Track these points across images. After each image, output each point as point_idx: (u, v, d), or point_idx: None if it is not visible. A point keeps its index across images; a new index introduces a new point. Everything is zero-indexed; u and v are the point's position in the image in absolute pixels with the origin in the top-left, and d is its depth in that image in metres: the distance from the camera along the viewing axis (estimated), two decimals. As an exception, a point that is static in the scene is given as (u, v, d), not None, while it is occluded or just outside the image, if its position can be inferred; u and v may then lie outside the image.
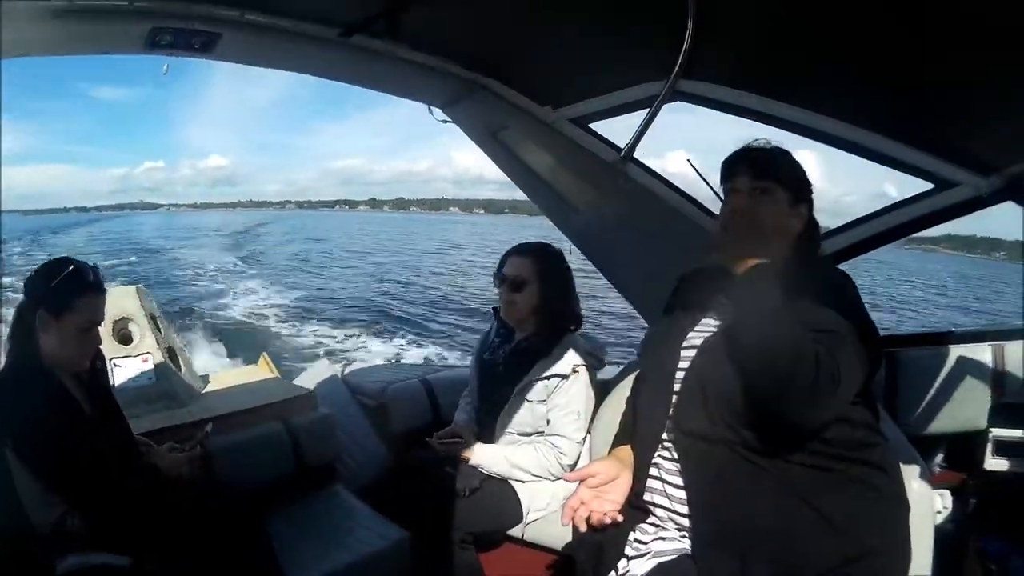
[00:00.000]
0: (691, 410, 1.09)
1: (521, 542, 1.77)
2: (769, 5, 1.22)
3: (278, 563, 1.50)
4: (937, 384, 2.18)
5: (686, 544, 1.09)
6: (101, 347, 1.48)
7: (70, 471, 1.26)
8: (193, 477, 1.56)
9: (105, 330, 1.73)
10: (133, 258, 25.10)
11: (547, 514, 1.73)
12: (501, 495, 1.73)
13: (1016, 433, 1.92)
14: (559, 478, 1.72)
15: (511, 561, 1.81)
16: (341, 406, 2.34)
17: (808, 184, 1.20)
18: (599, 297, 8.49)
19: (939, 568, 1.19)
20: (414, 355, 9.41)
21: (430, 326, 11.85)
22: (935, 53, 1.13)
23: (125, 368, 1.97)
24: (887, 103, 1.36)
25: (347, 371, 2.65)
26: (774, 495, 1.02)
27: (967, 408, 2.15)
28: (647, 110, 1.68)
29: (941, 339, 2.34)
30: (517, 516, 1.73)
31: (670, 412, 1.14)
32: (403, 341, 10.40)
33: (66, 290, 1.33)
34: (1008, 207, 1.37)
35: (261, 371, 2.52)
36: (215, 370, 3.00)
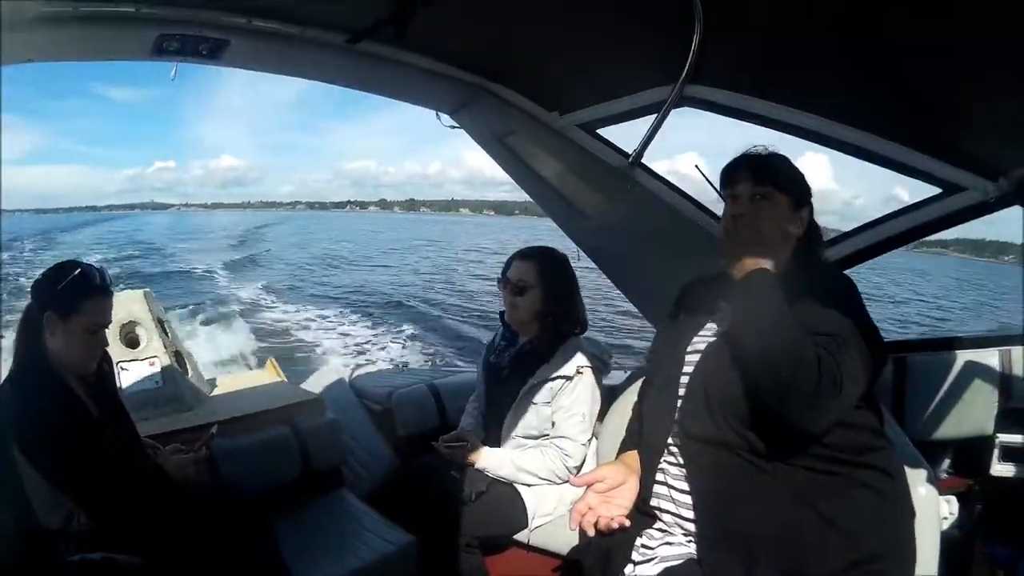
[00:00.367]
0: (696, 415, 1.09)
1: (527, 547, 1.77)
2: (776, 10, 1.22)
3: (286, 567, 1.50)
4: (944, 389, 2.16)
5: (692, 549, 1.09)
6: (108, 350, 1.50)
7: (76, 472, 1.27)
8: (199, 479, 1.56)
9: (112, 334, 1.74)
10: (139, 256, 25.18)
11: (553, 519, 1.73)
12: (507, 499, 1.73)
13: (1023, 439, 1.92)
14: (565, 481, 1.72)
15: (517, 566, 1.80)
16: (348, 411, 2.34)
17: (808, 189, 1.21)
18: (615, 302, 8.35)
19: (946, 574, 1.18)
20: (420, 360, 9.37)
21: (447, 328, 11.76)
22: (943, 59, 1.13)
23: (132, 371, 1.98)
24: (894, 108, 1.36)
25: (354, 375, 2.65)
26: (779, 499, 1.02)
27: (974, 413, 2.13)
28: (655, 115, 1.68)
29: (949, 344, 2.32)
30: (523, 520, 1.73)
31: (675, 417, 1.14)
32: (418, 344, 10.28)
33: (73, 293, 1.34)
34: (1016, 211, 1.37)
35: (268, 375, 2.52)
36: (221, 374, 3.01)
